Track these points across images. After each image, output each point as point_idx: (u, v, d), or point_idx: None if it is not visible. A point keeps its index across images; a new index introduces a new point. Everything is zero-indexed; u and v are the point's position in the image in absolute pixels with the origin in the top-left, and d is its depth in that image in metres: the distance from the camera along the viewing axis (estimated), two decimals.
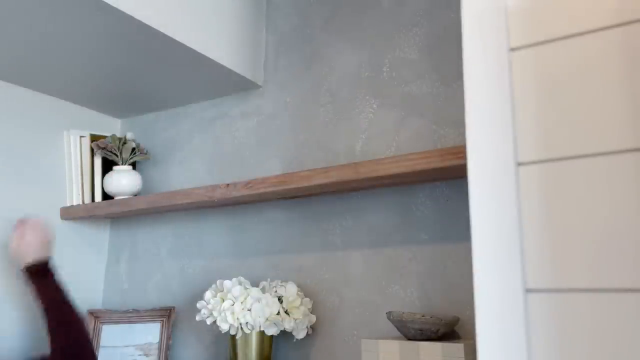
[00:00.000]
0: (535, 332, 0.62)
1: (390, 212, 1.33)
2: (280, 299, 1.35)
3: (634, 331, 0.57)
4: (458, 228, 1.24)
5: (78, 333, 1.23)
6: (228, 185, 1.44)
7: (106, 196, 1.74)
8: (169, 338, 1.58)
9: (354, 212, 1.39)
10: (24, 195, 1.64)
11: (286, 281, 1.41)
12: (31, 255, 1.36)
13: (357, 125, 1.42)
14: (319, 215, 1.46)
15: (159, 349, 1.58)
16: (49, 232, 1.45)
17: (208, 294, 1.37)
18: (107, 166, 1.75)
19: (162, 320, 1.61)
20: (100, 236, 1.85)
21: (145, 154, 1.77)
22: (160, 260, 1.74)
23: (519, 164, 0.66)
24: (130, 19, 1.25)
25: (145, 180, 1.79)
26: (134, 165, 1.76)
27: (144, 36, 1.33)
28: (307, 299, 1.39)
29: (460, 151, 1.09)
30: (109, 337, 1.65)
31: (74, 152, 1.74)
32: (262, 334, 1.34)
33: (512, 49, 0.69)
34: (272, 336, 1.36)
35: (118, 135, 1.83)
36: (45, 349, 1.29)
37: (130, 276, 1.79)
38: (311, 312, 1.39)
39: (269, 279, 1.46)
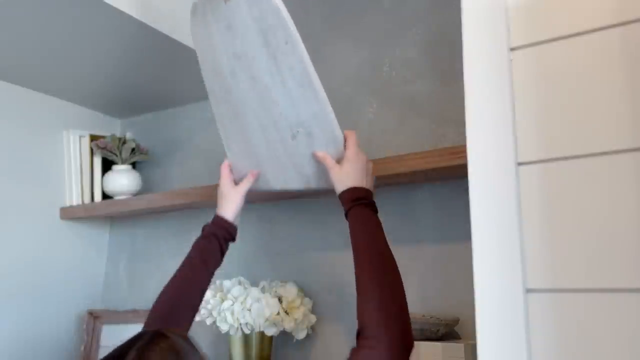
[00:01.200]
0: (535, 332, 0.62)
1: (390, 212, 1.33)
2: (280, 299, 1.35)
3: (633, 331, 0.57)
4: (458, 228, 1.23)
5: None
6: None
7: (106, 196, 1.74)
8: None
9: None
10: (24, 195, 1.64)
11: (286, 281, 1.41)
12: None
13: (357, 125, 1.42)
14: (319, 216, 1.46)
15: None
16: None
17: (208, 294, 1.37)
18: (107, 166, 1.75)
19: None
20: (100, 236, 1.85)
21: (145, 153, 1.77)
22: (160, 260, 1.74)
23: (519, 164, 0.66)
24: (130, 18, 1.25)
25: (145, 180, 1.79)
26: (133, 165, 1.76)
27: (144, 36, 1.33)
28: (307, 299, 1.39)
29: (460, 151, 1.09)
30: (108, 337, 1.65)
31: (74, 152, 1.74)
32: (262, 334, 1.34)
33: (512, 49, 0.69)
34: (272, 336, 1.36)
35: (118, 135, 1.83)
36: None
37: (130, 276, 1.79)
38: (311, 312, 1.39)
39: (269, 279, 1.46)
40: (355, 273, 0.93)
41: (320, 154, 1.07)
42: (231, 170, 1.19)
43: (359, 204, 0.99)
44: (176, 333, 0.73)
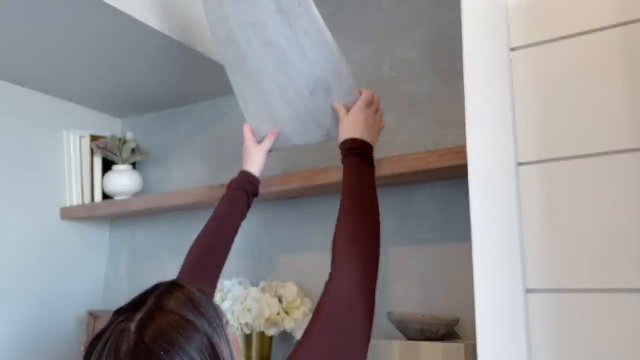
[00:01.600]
0: (535, 332, 0.62)
1: (390, 212, 1.33)
2: (280, 299, 1.35)
3: (633, 331, 0.57)
4: (458, 228, 1.23)
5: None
6: None
7: (106, 196, 1.73)
8: None
9: None
10: (24, 195, 1.64)
11: (286, 281, 1.41)
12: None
13: None
14: (319, 215, 1.46)
15: None
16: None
17: None
18: (107, 166, 1.74)
19: None
20: (100, 236, 1.85)
21: (145, 154, 1.77)
22: (160, 260, 1.74)
23: (519, 164, 0.66)
24: (130, 18, 1.25)
25: (145, 180, 1.79)
26: (133, 165, 1.76)
27: (144, 36, 1.33)
28: (307, 299, 1.39)
29: (460, 151, 1.09)
30: None
31: (74, 152, 1.74)
32: (262, 334, 1.34)
33: (513, 49, 0.69)
34: (272, 336, 1.36)
35: (118, 135, 1.83)
36: None
37: (130, 276, 1.79)
38: (311, 312, 1.38)
39: (269, 279, 1.46)
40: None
41: (336, 105, 1.13)
42: (253, 132, 1.26)
43: (351, 154, 1.06)
44: (192, 284, 0.77)
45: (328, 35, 1.08)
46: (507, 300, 0.63)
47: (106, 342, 0.68)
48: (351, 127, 1.09)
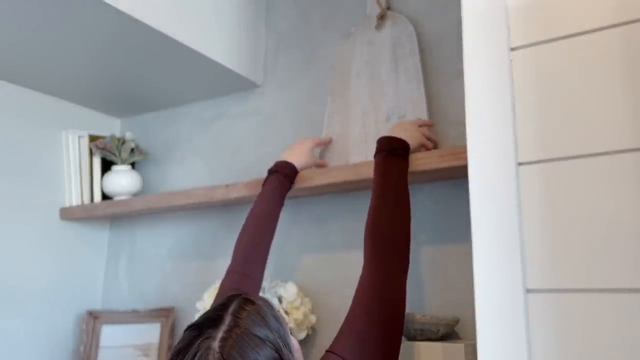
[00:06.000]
0: (535, 332, 0.62)
1: None
2: (280, 299, 1.35)
3: (633, 331, 0.57)
4: (458, 228, 1.23)
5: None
6: (228, 185, 1.44)
7: (105, 196, 1.73)
8: (169, 338, 1.58)
9: (354, 212, 1.39)
10: (24, 196, 1.64)
11: (286, 281, 1.41)
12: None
13: None
14: (319, 215, 1.46)
15: (159, 349, 1.58)
16: None
17: (207, 295, 1.37)
18: (106, 166, 1.74)
19: (162, 320, 1.61)
20: (100, 236, 1.85)
21: (144, 154, 1.77)
22: (160, 260, 1.74)
23: (519, 164, 0.66)
24: (130, 19, 1.25)
25: (144, 180, 1.79)
26: (133, 165, 1.76)
27: (143, 36, 1.33)
28: (307, 299, 1.39)
29: (460, 151, 1.09)
30: (108, 337, 1.65)
31: (73, 152, 1.73)
32: None
33: (513, 49, 0.69)
34: None
35: (117, 135, 1.83)
36: None
37: (129, 276, 1.79)
38: (311, 313, 1.38)
39: (269, 279, 1.46)
40: None
41: None
42: (317, 144, 1.38)
43: (379, 152, 1.14)
44: (260, 299, 0.84)
45: (421, 73, 1.30)
46: (507, 300, 0.63)
47: (193, 358, 0.74)
48: (389, 132, 1.17)
